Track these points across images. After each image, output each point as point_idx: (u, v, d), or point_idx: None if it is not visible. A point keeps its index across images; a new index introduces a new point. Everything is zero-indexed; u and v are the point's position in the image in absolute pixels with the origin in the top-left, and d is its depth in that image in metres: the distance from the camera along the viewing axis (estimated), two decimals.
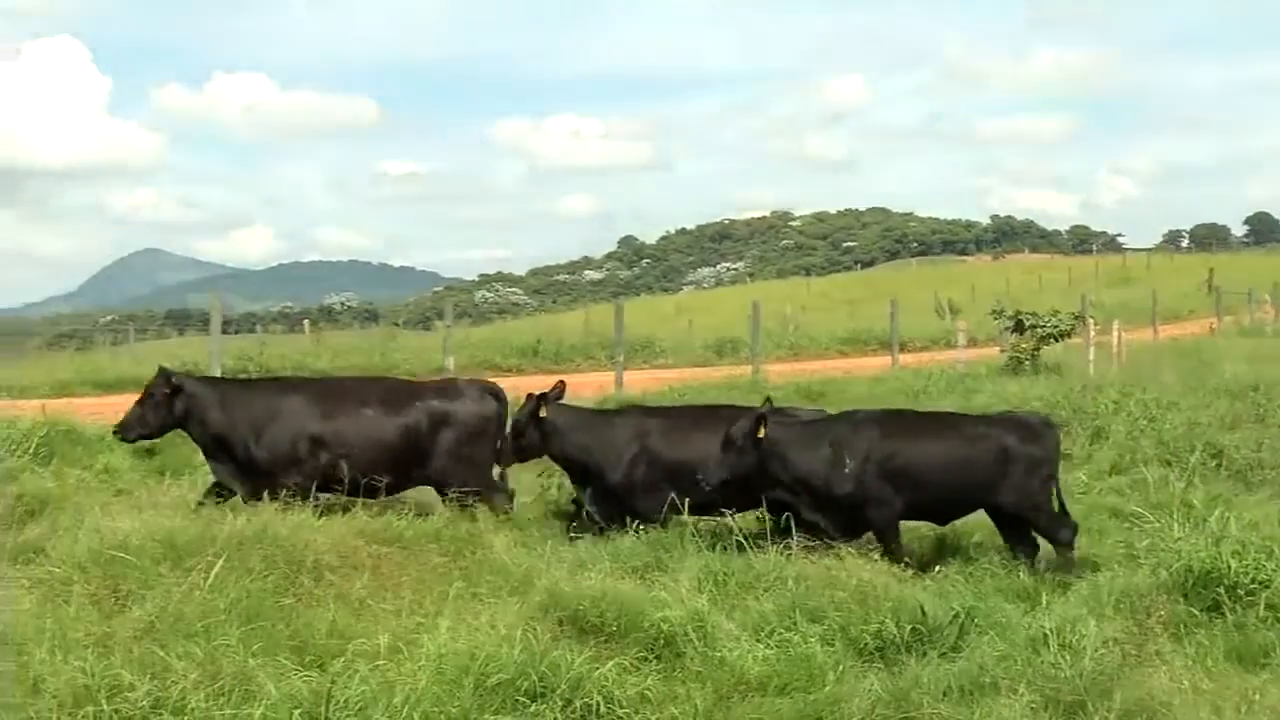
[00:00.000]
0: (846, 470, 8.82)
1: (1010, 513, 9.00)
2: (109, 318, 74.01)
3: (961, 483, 8.97)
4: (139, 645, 5.75)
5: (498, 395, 10.31)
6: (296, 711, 5.09)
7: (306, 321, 49.85)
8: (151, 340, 52.85)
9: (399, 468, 9.68)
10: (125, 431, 9.57)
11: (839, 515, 8.92)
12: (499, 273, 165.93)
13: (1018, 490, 8.87)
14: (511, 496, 10.15)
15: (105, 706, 5.11)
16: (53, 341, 49.17)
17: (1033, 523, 8.97)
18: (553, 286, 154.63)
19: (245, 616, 6.19)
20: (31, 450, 11.04)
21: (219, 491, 9.49)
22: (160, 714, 5.12)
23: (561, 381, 10.11)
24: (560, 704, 5.58)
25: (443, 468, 9.84)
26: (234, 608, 6.30)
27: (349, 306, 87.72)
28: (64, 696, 5.19)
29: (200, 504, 9.19)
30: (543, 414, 9.64)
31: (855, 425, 9.14)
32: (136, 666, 5.43)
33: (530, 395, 9.88)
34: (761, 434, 8.91)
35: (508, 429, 9.95)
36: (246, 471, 9.39)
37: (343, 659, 5.71)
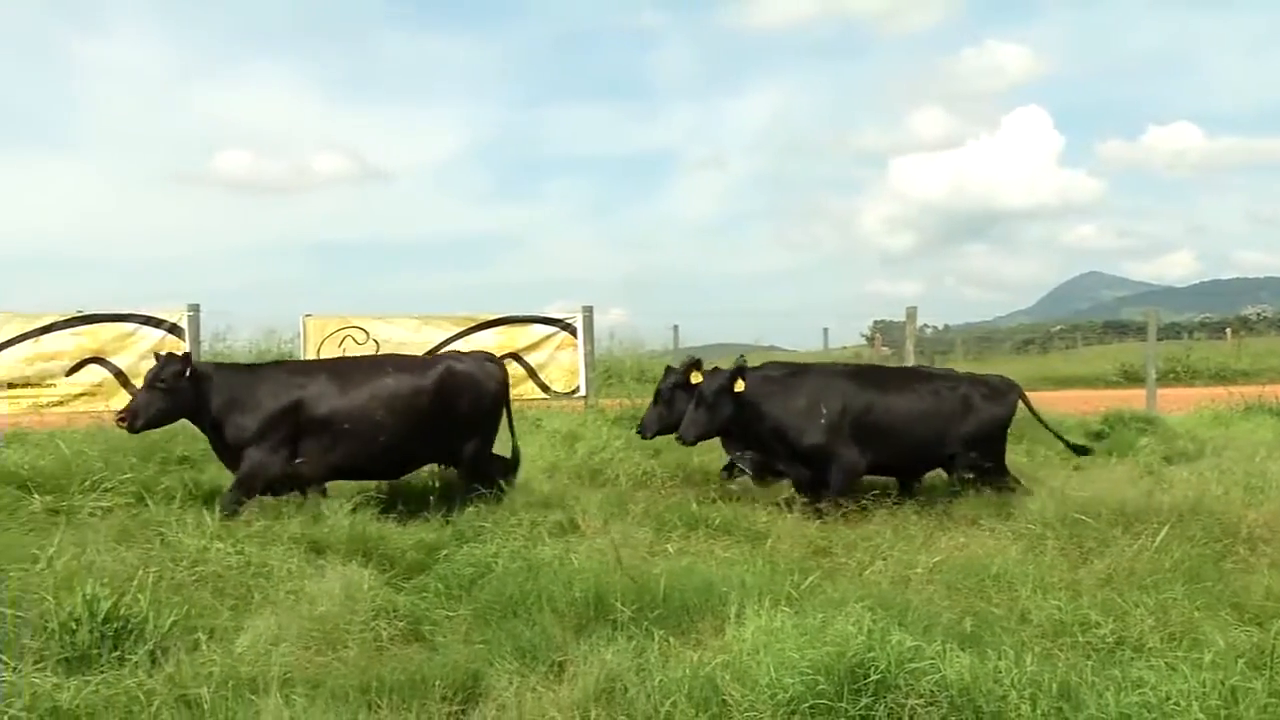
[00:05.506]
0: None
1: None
2: (1058, 328, 79.22)
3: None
4: (1101, 592, 6.72)
5: (501, 367, 10.18)
6: (1240, 660, 5.42)
7: (1228, 330, 49.36)
8: (1094, 346, 56.48)
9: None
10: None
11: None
12: None
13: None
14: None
15: (1079, 639, 6.04)
16: (1018, 347, 57.69)
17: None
18: None
19: (1187, 576, 6.92)
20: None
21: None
22: (1122, 649, 5.83)
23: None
24: None
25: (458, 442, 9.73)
26: (1177, 567, 7.08)
27: (1264, 317, 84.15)
28: (1045, 627, 6.25)
29: None
30: (739, 387, 9.47)
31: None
32: (1100, 609, 6.33)
33: (716, 369, 9.80)
34: (740, 387, 9.14)
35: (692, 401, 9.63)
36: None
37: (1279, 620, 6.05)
